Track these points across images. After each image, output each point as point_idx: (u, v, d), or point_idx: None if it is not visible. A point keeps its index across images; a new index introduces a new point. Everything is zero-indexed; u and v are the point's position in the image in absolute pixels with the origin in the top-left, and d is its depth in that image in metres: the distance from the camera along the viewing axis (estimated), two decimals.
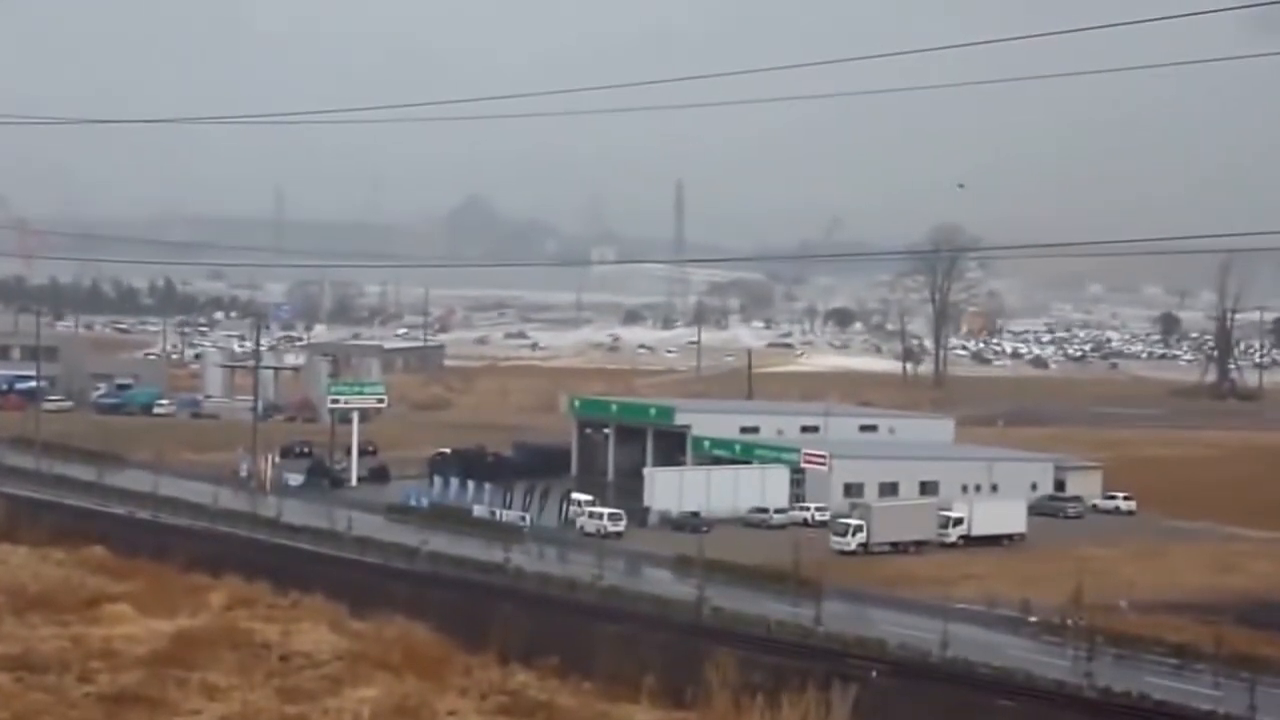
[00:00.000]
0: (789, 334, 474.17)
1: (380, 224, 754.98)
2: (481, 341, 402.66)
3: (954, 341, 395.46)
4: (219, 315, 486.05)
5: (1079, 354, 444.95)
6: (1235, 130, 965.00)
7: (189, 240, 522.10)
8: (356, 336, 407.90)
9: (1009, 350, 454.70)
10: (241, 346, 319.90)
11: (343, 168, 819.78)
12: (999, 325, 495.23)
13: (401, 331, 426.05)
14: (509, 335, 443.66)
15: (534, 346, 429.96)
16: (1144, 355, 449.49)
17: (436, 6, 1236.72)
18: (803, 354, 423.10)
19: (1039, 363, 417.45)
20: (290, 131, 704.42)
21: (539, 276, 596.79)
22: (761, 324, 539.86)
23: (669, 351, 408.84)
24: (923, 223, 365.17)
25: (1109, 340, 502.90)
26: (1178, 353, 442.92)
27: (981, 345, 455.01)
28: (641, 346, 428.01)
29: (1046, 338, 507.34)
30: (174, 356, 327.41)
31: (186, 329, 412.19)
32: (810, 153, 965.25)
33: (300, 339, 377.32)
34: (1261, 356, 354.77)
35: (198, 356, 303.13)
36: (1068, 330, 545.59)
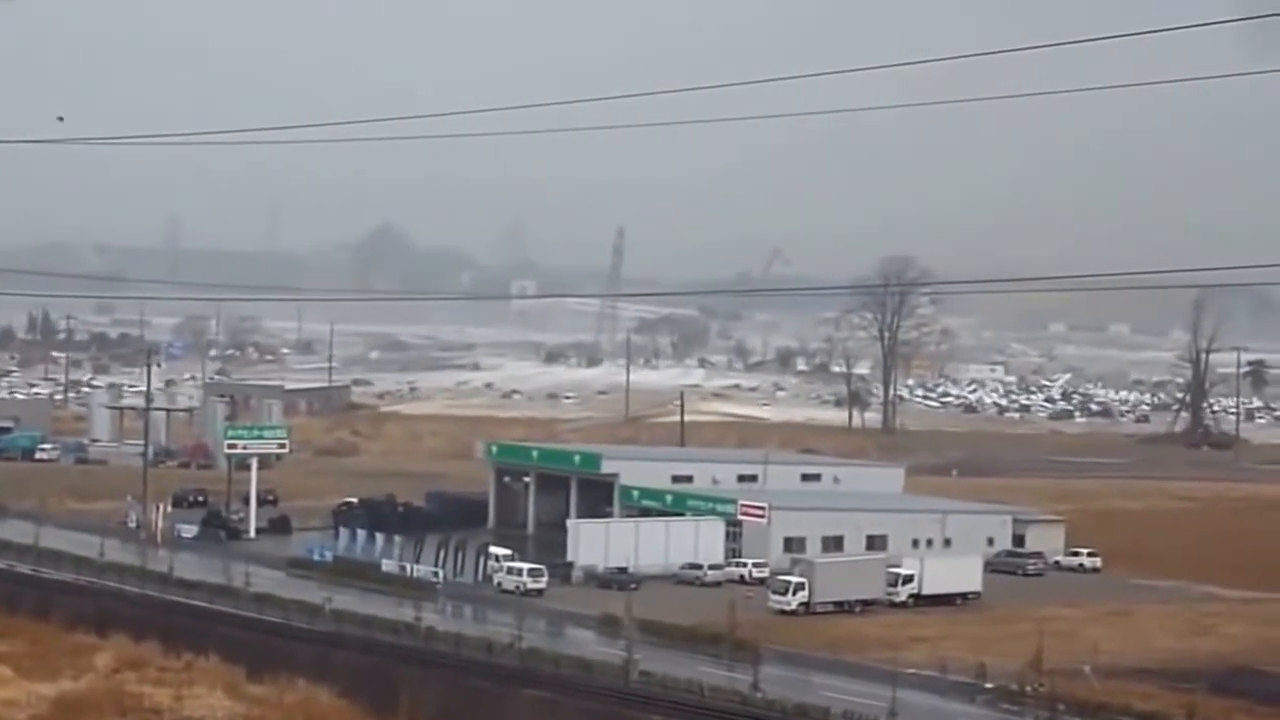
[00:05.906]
0: (697, 385, 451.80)
1: (282, 253, 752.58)
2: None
3: (903, 387, 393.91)
4: (59, 355, 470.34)
5: (1099, 408, 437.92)
6: (1204, 162, 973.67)
7: (71, 271, 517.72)
8: (218, 373, 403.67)
9: (968, 397, 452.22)
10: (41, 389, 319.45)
11: (242, 193, 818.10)
12: (947, 371, 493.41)
13: (306, 368, 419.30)
14: (356, 381, 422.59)
15: (410, 389, 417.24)
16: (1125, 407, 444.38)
17: (350, 25, 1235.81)
18: (730, 395, 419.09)
19: (1060, 415, 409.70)
20: (186, 154, 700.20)
21: (454, 311, 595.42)
22: (694, 363, 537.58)
23: (567, 397, 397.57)
24: (871, 257, 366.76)
25: (1086, 386, 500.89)
26: (1149, 402, 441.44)
27: (935, 388, 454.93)
28: (515, 392, 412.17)
29: (993, 381, 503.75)
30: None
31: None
32: (752, 184, 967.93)
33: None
34: (1237, 402, 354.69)
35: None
36: (1036, 374, 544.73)
